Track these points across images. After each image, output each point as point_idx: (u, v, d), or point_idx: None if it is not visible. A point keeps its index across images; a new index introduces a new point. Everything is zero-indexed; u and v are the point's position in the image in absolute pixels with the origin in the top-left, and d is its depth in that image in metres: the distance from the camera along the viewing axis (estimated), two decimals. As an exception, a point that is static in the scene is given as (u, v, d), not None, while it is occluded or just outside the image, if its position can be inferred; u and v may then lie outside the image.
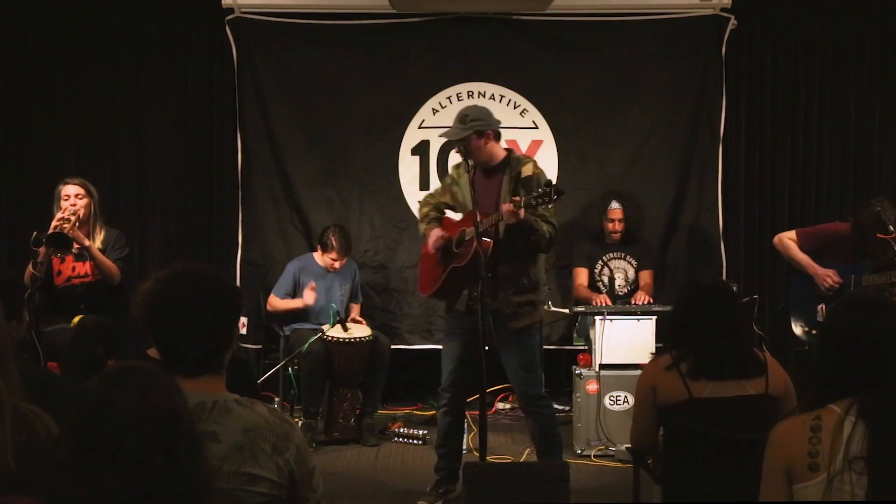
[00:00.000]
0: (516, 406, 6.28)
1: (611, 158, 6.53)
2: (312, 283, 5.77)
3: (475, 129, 4.23)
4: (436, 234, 4.39)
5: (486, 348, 4.03)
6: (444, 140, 5.81)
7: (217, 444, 1.99)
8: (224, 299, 2.14)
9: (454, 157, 4.92)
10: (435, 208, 4.55)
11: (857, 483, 1.98)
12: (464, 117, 4.25)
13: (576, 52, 6.50)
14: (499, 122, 4.37)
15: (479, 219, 4.10)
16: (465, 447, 5.25)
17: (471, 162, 4.28)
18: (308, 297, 5.75)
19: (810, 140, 6.64)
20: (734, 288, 4.12)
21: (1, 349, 2.06)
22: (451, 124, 4.43)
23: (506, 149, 4.43)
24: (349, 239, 5.84)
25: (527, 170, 4.29)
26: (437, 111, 6.43)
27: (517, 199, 4.08)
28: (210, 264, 2.33)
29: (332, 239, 5.81)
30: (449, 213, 4.64)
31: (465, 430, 5.32)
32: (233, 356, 2.20)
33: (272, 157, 6.46)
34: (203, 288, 2.11)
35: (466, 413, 5.69)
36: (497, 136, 4.35)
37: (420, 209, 4.64)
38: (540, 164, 6.34)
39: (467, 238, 4.25)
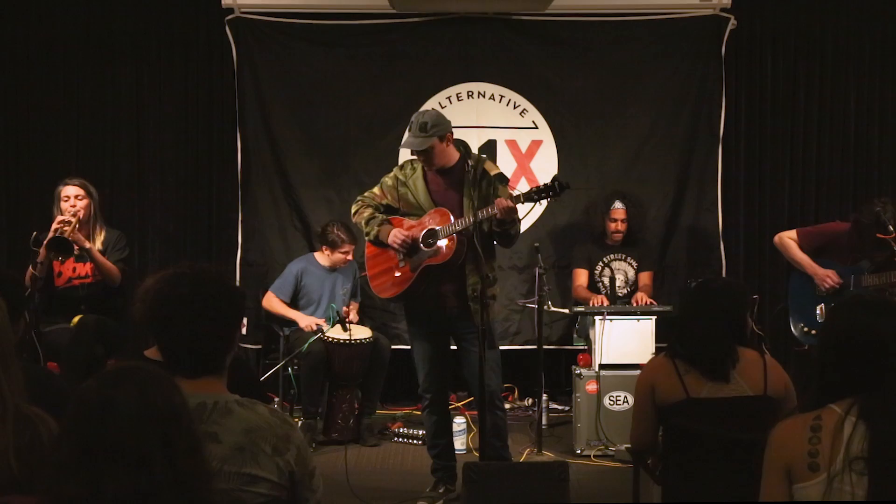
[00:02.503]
0: (516, 406, 6.31)
1: (611, 158, 6.53)
2: (319, 322, 5.71)
3: (437, 135, 4.26)
4: (397, 234, 4.35)
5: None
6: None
7: (217, 445, 1.99)
8: (227, 301, 2.14)
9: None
10: (377, 210, 4.49)
11: (858, 483, 1.98)
12: (423, 125, 4.25)
13: (576, 52, 6.49)
14: (450, 122, 4.39)
15: (454, 217, 4.23)
16: (464, 447, 5.27)
17: (423, 165, 4.36)
18: (307, 323, 5.72)
19: (810, 140, 6.64)
20: (745, 288, 4.07)
21: (5, 348, 2.06)
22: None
23: (457, 143, 4.42)
24: (352, 228, 5.76)
25: (490, 167, 4.34)
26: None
27: (518, 194, 4.13)
28: (212, 265, 2.32)
29: (339, 234, 5.80)
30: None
31: (466, 430, 5.36)
32: (235, 357, 2.20)
33: (272, 157, 6.46)
34: (206, 289, 2.11)
35: (466, 413, 5.72)
36: (451, 138, 4.38)
37: (359, 212, 4.51)
38: (540, 165, 6.48)
39: (442, 236, 4.27)
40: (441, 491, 4.51)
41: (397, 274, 4.43)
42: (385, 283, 4.50)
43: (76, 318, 5.04)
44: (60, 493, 1.63)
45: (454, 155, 4.37)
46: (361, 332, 5.68)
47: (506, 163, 6.33)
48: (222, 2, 6.30)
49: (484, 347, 4.10)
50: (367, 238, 4.52)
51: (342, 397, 5.61)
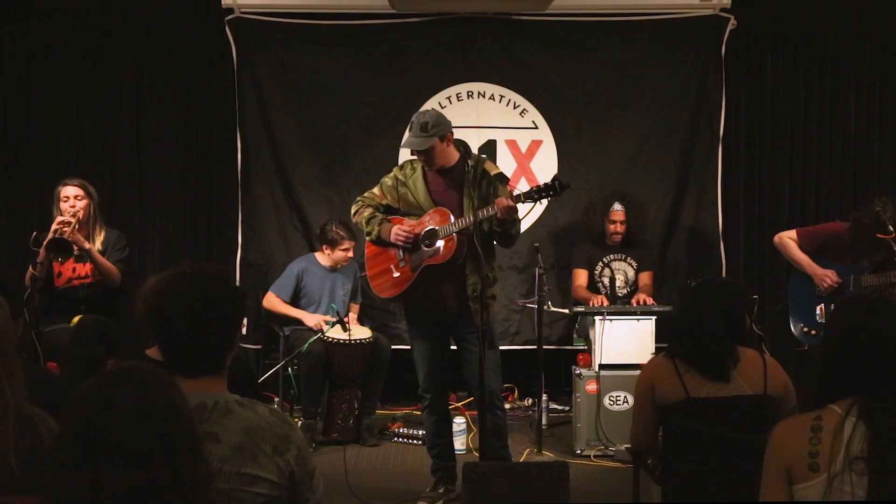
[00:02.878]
0: (516, 406, 6.31)
1: (611, 158, 6.53)
2: (328, 318, 5.70)
3: (438, 135, 4.26)
4: (398, 230, 4.36)
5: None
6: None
7: (217, 445, 1.99)
8: (227, 301, 2.15)
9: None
10: (376, 210, 4.49)
11: (858, 483, 1.98)
12: (424, 125, 4.26)
13: (576, 52, 6.50)
14: (450, 122, 4.39)
15: (454, 217, 4.23)
16: (464, 447, 5.27)
17: (423, 165, 4.36)
18: (316, 321, 5.70)
19: (810, 140, 6.64)
20: (744, 288, 4.08)
21: (6, 348, 2.06)
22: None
23: (457, 143, 4.43)
24: (351, 226, 5.75)
25: (490, 167, 4.35)
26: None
27: (518, 193, 4.13)
28: (213, 265, 2.32)
29: (338, 231, 5.79)
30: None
31: (466, 430, 5.36)
32: (235, 357, 2.20)
33: (272, 157, 6.46)
34: (207, 289, 2.11)
35: (466, 413, 5.72)
36: (451, 138, 4.38)
37: (359, 212, 4.51)
38: (540, 165, 6.48)
39: (441, 236, 4.27)
40: (441, 491, 4.51)
41: (397, 274, 4.43)
42: (385, 283, 4.50)
43: (76, 318, 5.04)
44: (60, 493, 1.62)
45: (454, 155, 4.38)
46: (361, 332, 5.68)
47: (506, 163, 6.33)
48: (222, 2, 6.30)
49: (484, 347, 4.11)
50: (367, 238, 4.52)
51: (342, 397, 5.60)
